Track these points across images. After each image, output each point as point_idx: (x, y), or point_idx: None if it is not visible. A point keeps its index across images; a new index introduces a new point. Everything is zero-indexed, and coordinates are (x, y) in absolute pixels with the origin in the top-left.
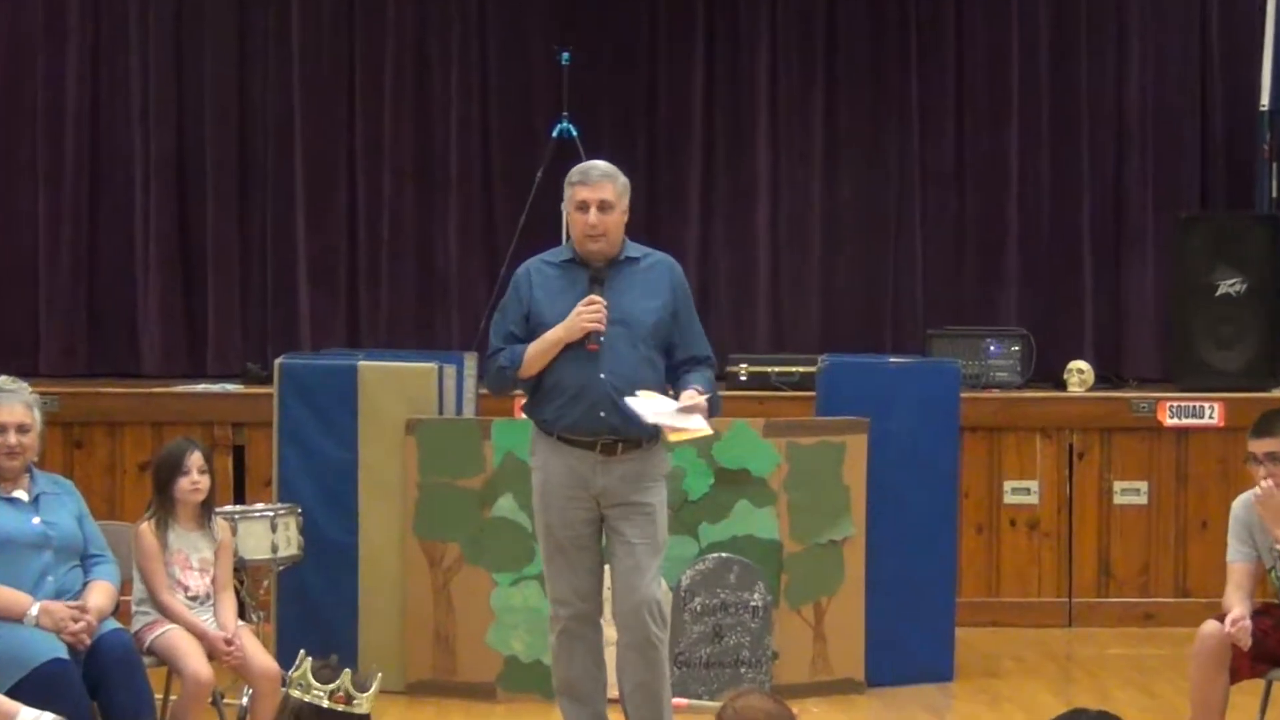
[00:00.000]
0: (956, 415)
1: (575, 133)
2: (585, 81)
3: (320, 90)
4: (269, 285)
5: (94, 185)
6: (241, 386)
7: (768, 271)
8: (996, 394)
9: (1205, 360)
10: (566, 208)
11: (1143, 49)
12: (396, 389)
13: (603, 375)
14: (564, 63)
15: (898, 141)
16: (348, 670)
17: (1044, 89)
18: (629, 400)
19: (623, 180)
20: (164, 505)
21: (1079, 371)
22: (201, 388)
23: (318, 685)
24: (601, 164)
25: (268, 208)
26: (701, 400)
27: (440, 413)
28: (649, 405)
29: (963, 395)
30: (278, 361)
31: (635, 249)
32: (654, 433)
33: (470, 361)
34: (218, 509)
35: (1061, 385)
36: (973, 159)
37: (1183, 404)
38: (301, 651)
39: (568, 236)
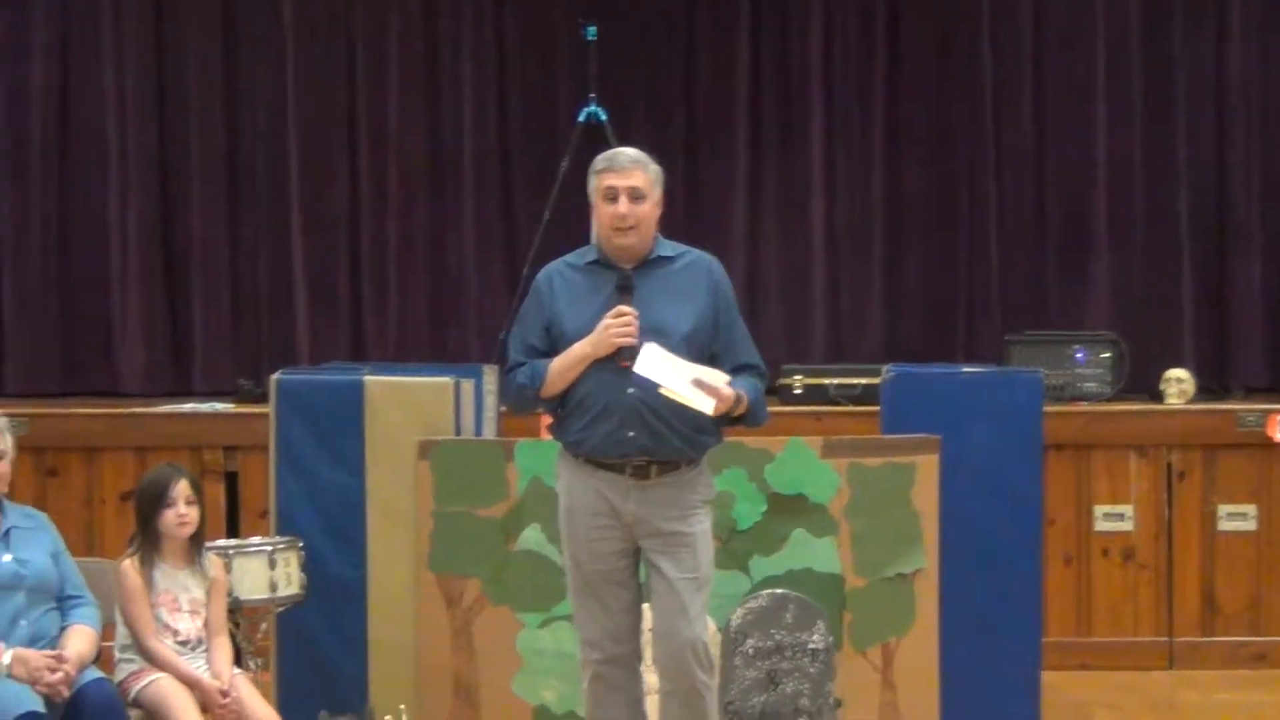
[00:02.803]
0: (1039, 432)
1: (604, 117)
2: (615, 59)
3: (317, 75)
4: (262, 293)
5: (64, 182)
6: (233, 406)
7: (824, 272)
8: (1084, 407)
9: None
10: (593, 199)
11: (1245, 16)
12: (408, 407)
13: (631, 390)
14: (590, 38)
15: (968, 124)
16: None
17: (1134, 62)
18: (645, 348)
19: (655, 167)
20: (148, 540)
21: (1178, 381)
22: (189, 408)
23: None
24: (630, 149)
25: (259, 207)
26: (722, 387)
27: (457, 433)
28: (656, 361)
29: (1046, 409)
30: (274, 377)
31: (669, 247)
32: (693, 454)
33: (490, 375)
34: (209, 544)
35: (1158, 397)
36: (1054, 143)
37: None
38: (323, 713)
39: (595, 236)
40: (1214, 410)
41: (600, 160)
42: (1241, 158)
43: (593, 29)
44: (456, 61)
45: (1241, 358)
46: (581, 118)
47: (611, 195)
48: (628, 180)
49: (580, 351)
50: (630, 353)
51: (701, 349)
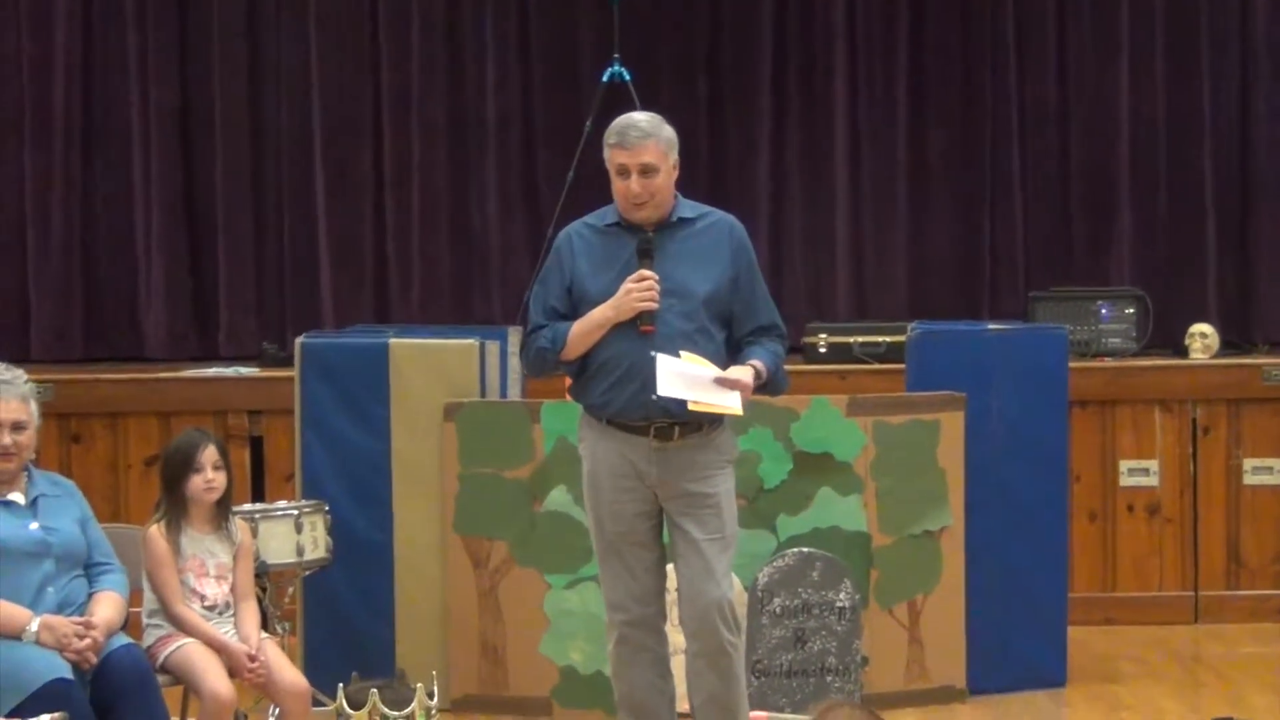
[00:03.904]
0: (1064, 388)
1: (628, 77)
2: (639, 19)
3: (339, 36)
4: (286, 257)
5: (87, 145)
6: (258, 370)
7: (848, 230)
8: (1109, 363)
9: None
10: (609, 169)
11: None
12: (433, 369)
13: (653, 353)
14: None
15: (992, 80)
16: (374, 689)
17: (1157, 17)
18: (658, 359)
19: (667, 134)
20: (175, 506)
21: (1202, 336)
22: (213, 372)
23: (352, 711)
24: (640, 119)
25: (283, 170)
26: (745, 377)
27: (483, 395)
28: (675, 374)
29: (1071, 365)
30: (298, 341)
31: (690, 208)
32: (716, 419)
33: (515, 337)
34: (238, 508)
35: (1183, 352)
36: (1078, 98)
37: None
38: (354, 675)
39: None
40: (1239, 364)
41: (612, 133)
42: (1265, 112)
43: None
44: (479, 21)
45: (1266, 312)
46: (605, 78)
47: (624, 172)
48: (638, 157)
49: (601, 315)
50: (651, 316)
51: (721, 310)
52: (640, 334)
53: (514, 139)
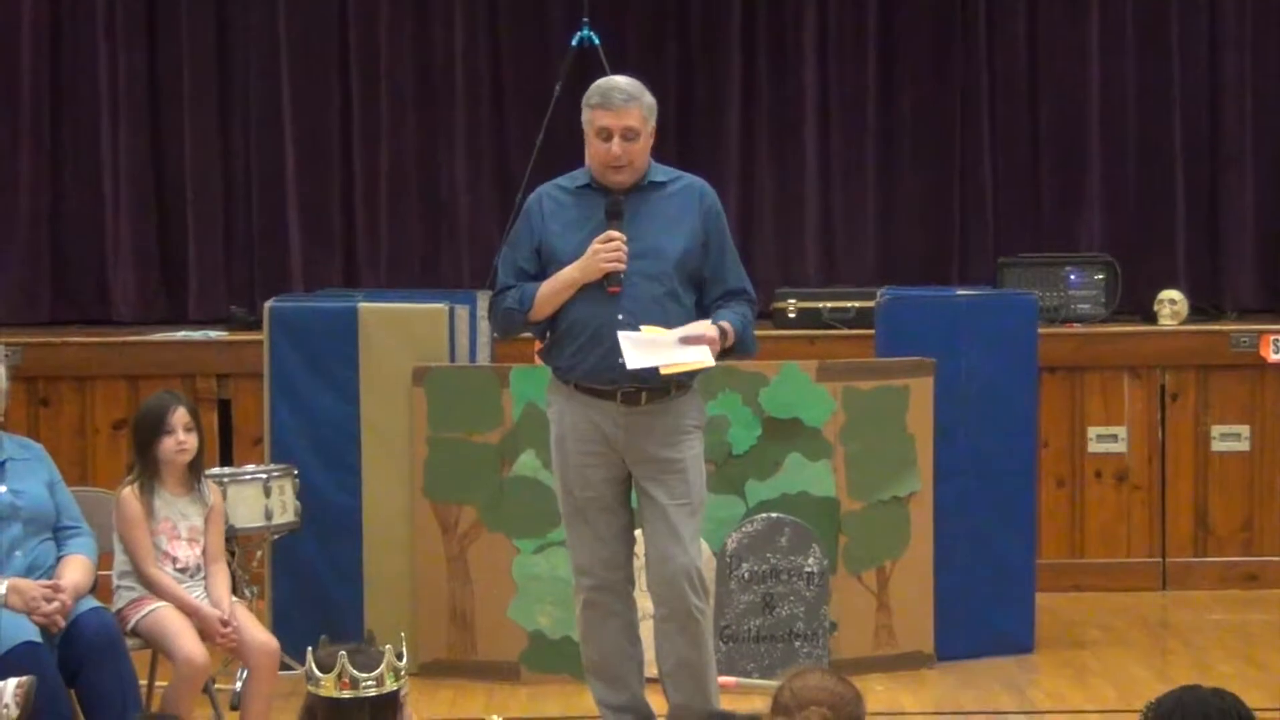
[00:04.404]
0: (1034, 354)
1: (597, 40)
2: None
3: (307, 1)
4: (255, 220)
5: (55, 110)
6: (226, 334)
7: (817, 195)
8: (1078, 329)
9: None
10: (585, 129)
11: None
12: (401, 333)
13: (621, 316)
14: None
15: (962, 46)
16: (342, 652)
17: None
18: (621, 337)
19: (649, 100)
20: (147, 468)
21: (1171, 302)
22: (181, 335)
23: (320, 674)
24: (624, 83)
25: (251, 133)
26: (707, 330)
27: (452, 359)
28: (640, 345)
29: (1040, 331)
30: (267, 305)
31: (661, 172)
32: (684, 384)
33: (484, 301)
34: (207, 472)
35: (1151, 318)
36: (1047, 63)
37: None
38: (322, 638)
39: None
40: (1207, 331)
41: (594, 94)
42: (1234, 78)
43: None
44: None
45: (1235, 278)
46: (574, 42)
47: (605, 134)
48: (622, 120)
49: (568, 276)
50: (619, 277)
51: (691, 274)
52: (608, 295)
53: (483, 103)
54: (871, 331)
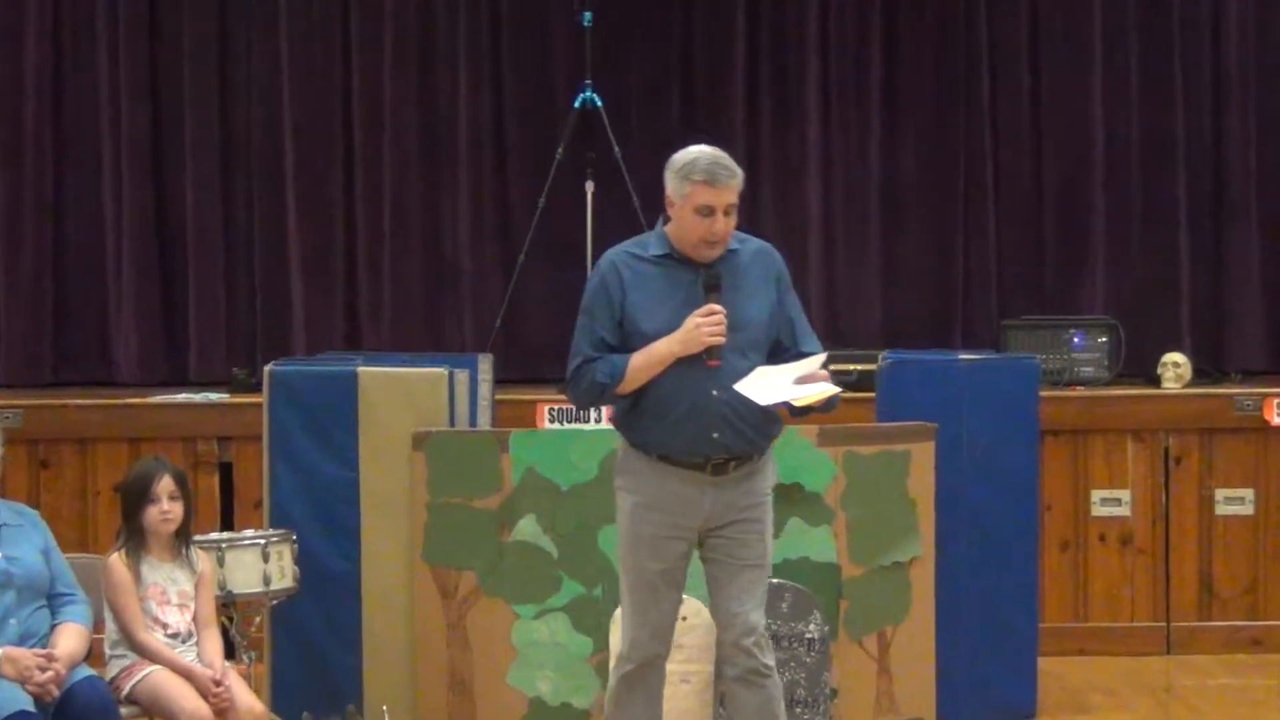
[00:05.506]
0: (1036, 417)
1: (600, 103)
2: (611, 44)
3: (311, 56)
4: (257, 281)
5: (58, 167)
6: (228, 396)
7: (820, 254)
8: (1081, 392)
9: None
10: (675, 198)
11: None
12: (402, 397)
13: (715, 393)
14: (586, 24)
15: (965, 101)
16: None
17: (1132, 38)
18: (742, 389)
19: (741, 174)
20: (134, 535)
21: (1175, 365)
22: (183, 398)
23: None
24: (725, 158)
25: (254, 192)
26: (817, 365)
27: (452, 424)
28: (761, 387)
29: (1043, 394)
30: (267, 368)
31: (732, 238)
32: (765, 444)
33: (485, 364)
34: (204, 537)
35: (1155, 381)
36: (1050, 124)
37: None
38: (305, 714)
39: (664, 222)
40: (1211, 394)
41: (695, 170)
42: (1238, 138)
43: (588, 14)
44: (451, 45)
45: (1238, 341)
46: (577, 103)
47: (707, 211)
48: (724, 198)
49: (666, 349)
50: (718, 351)
51: (772, 343)
52: (706, 368)
53: (486, 163)
54: (873, 395)
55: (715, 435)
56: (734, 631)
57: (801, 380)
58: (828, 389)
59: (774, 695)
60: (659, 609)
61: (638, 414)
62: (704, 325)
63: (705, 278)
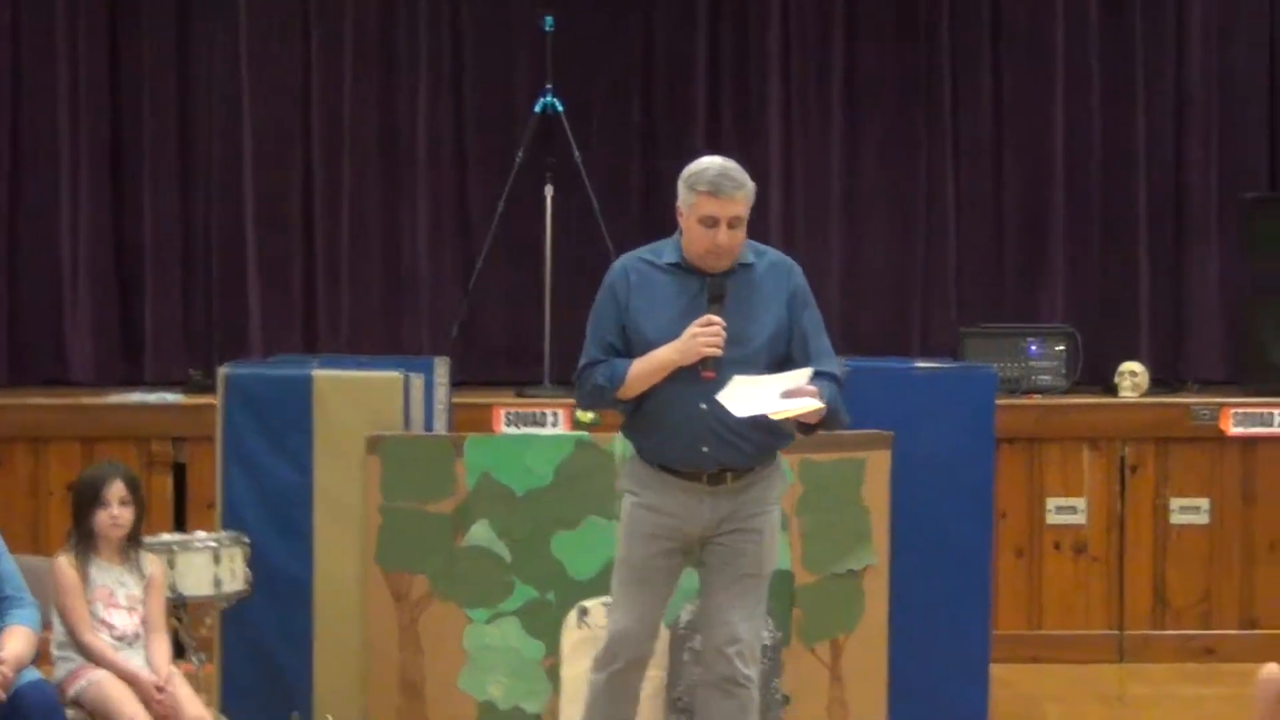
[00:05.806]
0: (991, 425)
1: (560, 108)
2: (571, 49)
3: (270, 61)
4: (214, 282)
5: (14, 170)
6: (183, 397)
7: None
8: (1038, 400)
9: (1275, 361)
10: (683, 210)
11: (1205, 9)
12: (356, 401)
13: (703, 406)
14: (547, 29)
15: (926, 113)
16: None
17: (1093, 53)
18: (722, 399)
19: (752, 186)
20: (84, 537)
21: (1132, 374)
22: (137, 398)
23: None
24: (732, 169)
25: (212, 194)
26: (804, 379)
27: (406, 428)
28: (742, 396)
29: (1000, 402)
30: (221, 370)
31: (750, 251)
32: (766, 458)
33: (442, 368)
34: (156, 539)
35: (1112, 390)
36: (1012, 133)
37: (1249, 410)
38: None
39: (678, 233)
40: (1167, 403)
41: (700, 180)
42: (1197, 152)
43: (549, 19)
44: (412, 49)
45: (1196, 351)
46: (537, 108)
47: (711, 223)
48: (729, 210)
49: (665, 358)
50: (714, 362)
51: (777, 357)
52: (700, 379)
53: (445, 168)
54: None
55: (705, 449)
56: (717, 638)
57: (788, 394)
58: (810, 404)
59: (747, 707)
60: (649, 603)
61: (638, 421)
62: (701, 335)
63: (711, 288)
